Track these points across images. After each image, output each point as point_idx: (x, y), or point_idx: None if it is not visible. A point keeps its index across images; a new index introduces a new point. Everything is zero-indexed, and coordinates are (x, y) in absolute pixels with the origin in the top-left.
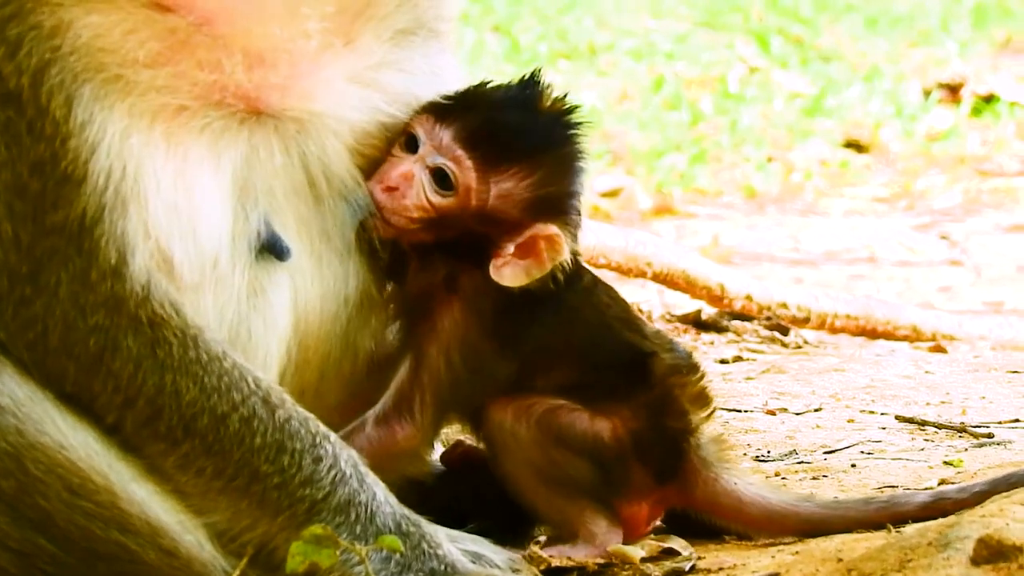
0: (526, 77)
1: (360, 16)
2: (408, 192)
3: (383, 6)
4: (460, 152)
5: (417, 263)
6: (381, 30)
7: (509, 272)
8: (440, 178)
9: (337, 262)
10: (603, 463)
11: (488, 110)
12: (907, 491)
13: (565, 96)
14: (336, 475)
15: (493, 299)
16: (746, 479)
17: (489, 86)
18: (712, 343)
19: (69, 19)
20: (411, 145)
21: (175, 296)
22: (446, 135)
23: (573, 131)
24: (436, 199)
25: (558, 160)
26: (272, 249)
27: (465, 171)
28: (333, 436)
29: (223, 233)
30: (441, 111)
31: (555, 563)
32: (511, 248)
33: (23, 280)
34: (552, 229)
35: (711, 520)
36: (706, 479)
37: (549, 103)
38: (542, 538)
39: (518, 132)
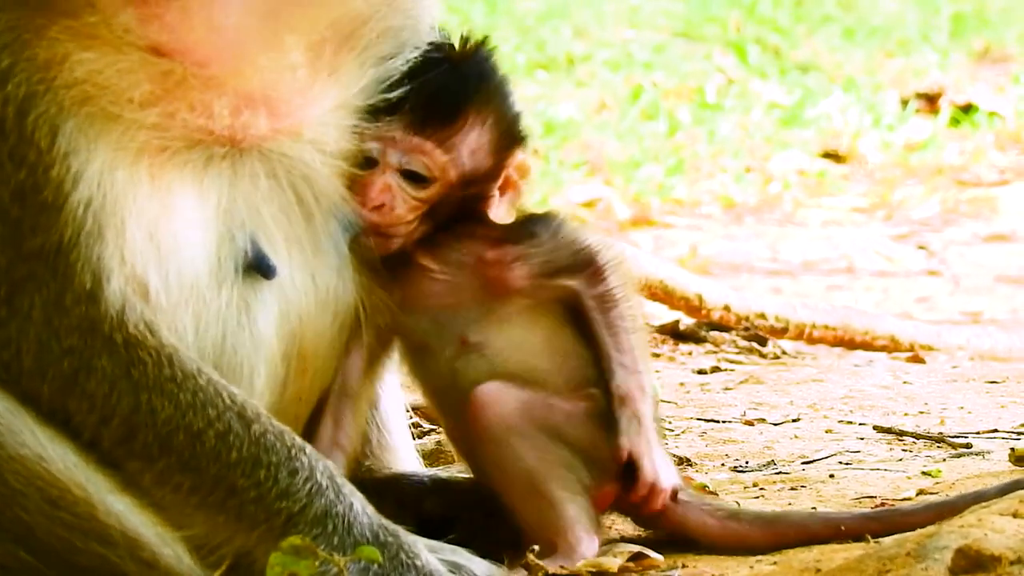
0: (435, 43)
1: (343, 47)
2: (395, 202)
3: (364, 37)
4: (417, 140)
5: (431, 269)
6: (363, 59)
7: (503, 212)
8: (414, 176)
9: (330, 276)
10: (586, 447)
11: (419, 90)
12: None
13: (468, 36)
14: (312, 487)
15: (513, 229)
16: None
17: (408, 72)
18: (690, 353)
19: (64, 52)
20: (371, 161)
21: (150, 316)
22: (397, 133)
23: (493, 61)
24: (421, 193)
25: (496, 92)
26: (258, 268)
27: (431, 154)
28: (309, 448)
29: (205, 256)
30: (381, 116)
31: (551, 570)
32: (496, 191)
33: None
34: (517, 156)
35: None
36: None
37: (462, 51)
38: (536, 547)
39: (455, 91)
